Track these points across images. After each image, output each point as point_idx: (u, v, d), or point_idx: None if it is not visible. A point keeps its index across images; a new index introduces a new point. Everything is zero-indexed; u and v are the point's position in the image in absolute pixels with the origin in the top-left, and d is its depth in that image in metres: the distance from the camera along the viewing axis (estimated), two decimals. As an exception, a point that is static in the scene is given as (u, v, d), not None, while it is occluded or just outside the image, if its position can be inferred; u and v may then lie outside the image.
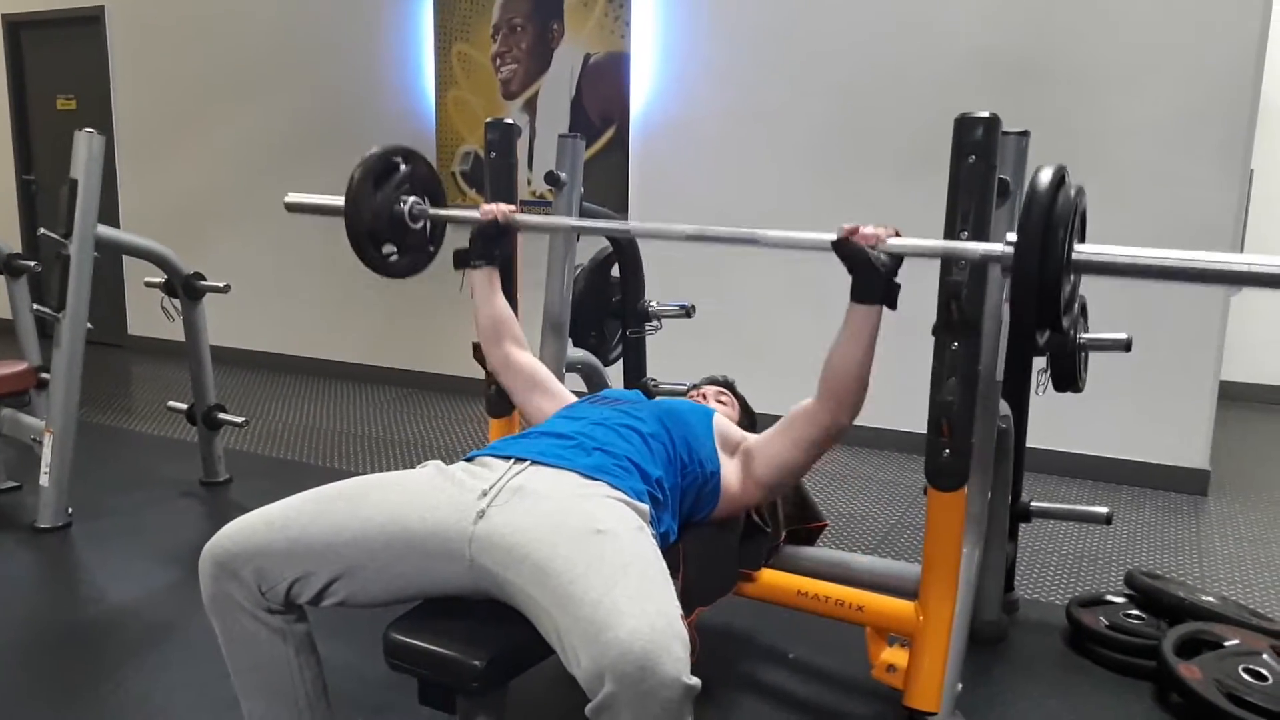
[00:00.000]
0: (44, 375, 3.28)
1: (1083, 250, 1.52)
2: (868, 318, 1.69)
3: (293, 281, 5.93)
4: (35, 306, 3.31)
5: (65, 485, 3.19)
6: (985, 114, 1.73)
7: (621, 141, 4.78)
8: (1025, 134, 1.99)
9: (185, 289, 3.53)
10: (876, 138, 4.23)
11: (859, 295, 1.69)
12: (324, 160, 5.69)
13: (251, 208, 6.01)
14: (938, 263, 1.78)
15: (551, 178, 2.52)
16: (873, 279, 1.67)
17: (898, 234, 1.68)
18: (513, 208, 2.14)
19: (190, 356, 3.63)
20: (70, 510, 3.22)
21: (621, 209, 4.74)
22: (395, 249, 2.23)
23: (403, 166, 2.22)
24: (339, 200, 2.18)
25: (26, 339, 3.59)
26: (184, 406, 3.71)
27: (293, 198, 2.41)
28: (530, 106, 5.01)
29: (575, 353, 2.73)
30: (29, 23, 6.72)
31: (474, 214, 2.13)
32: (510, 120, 2.46)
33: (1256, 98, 3.60)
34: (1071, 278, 1.54)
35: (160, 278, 3.55)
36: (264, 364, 5.99)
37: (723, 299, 4.50)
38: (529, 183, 4.93)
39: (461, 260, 2.13)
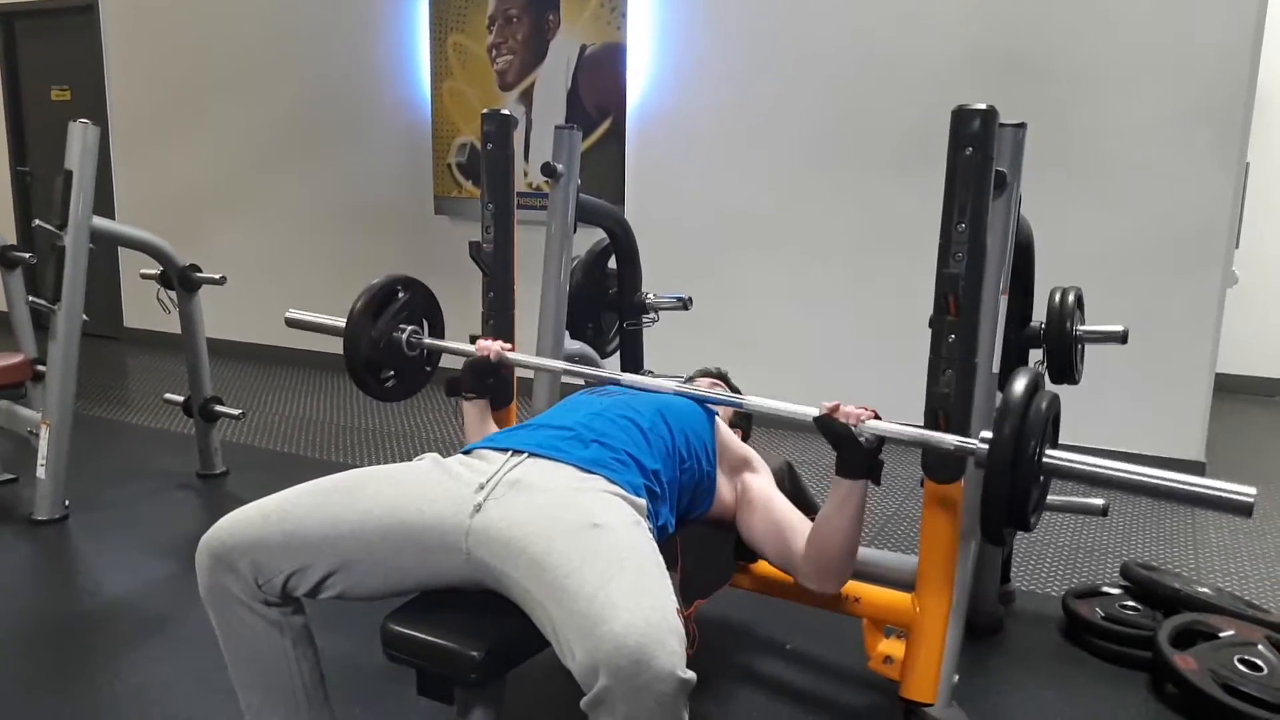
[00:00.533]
0: (40, 367, 3.28)
1: (1053, 456, 1.57)
2: (852, 492, 1.68)
3: (289, 273, 5.92)
4: (30, 298, 3.30)
5: (62, 477, 3.19)
6: (982, 106, 1.73)
7: (618, 133, 4.77)
8: (1022, 126, 1.99)
9: (181, 281, 3.52)
10: (872, 131, 4.23)
11: (843, 470, 1.68)
12: (319, 151, 5.68)
13: (247, 199, 5.99)
14: (931, 258, 1.78)
15: (548, 169, 2.52)
16: (856, 455, 1.66)
17: (876, 416, 1.67)
18: (507, 345, 2.15)
19: (186, 349, 3.63)
20: (67, 502, 3.22)
21: (618, 200, 4.74)
22: (392, 374, 2.29)
23: (401, 294, 2.28)
24: (338, 321, 2.24)
25: (22, 331, 3.59)
26: (180, 399, 3.70)
27: (293, 314, 2.47)
28: (526, 98, 5.00)
29: (572, 345, 2.72)
30: (23, 13, 6.70)
31: (468, 348, 2.15)
32: (507, 111, 2.45)
33: (1252, 93, 3.60)
34: (1040, 480, 1.60)
35: (156, 270, 3.55)
36: (260, 356, 5.98)
37: (719, 292, 4.50)
38: (525, 174, 4.92)
39: (453, 390, 2.13)
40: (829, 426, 1.66)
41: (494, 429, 2.12)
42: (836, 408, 1.67)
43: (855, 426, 1.66)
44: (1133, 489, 1.50)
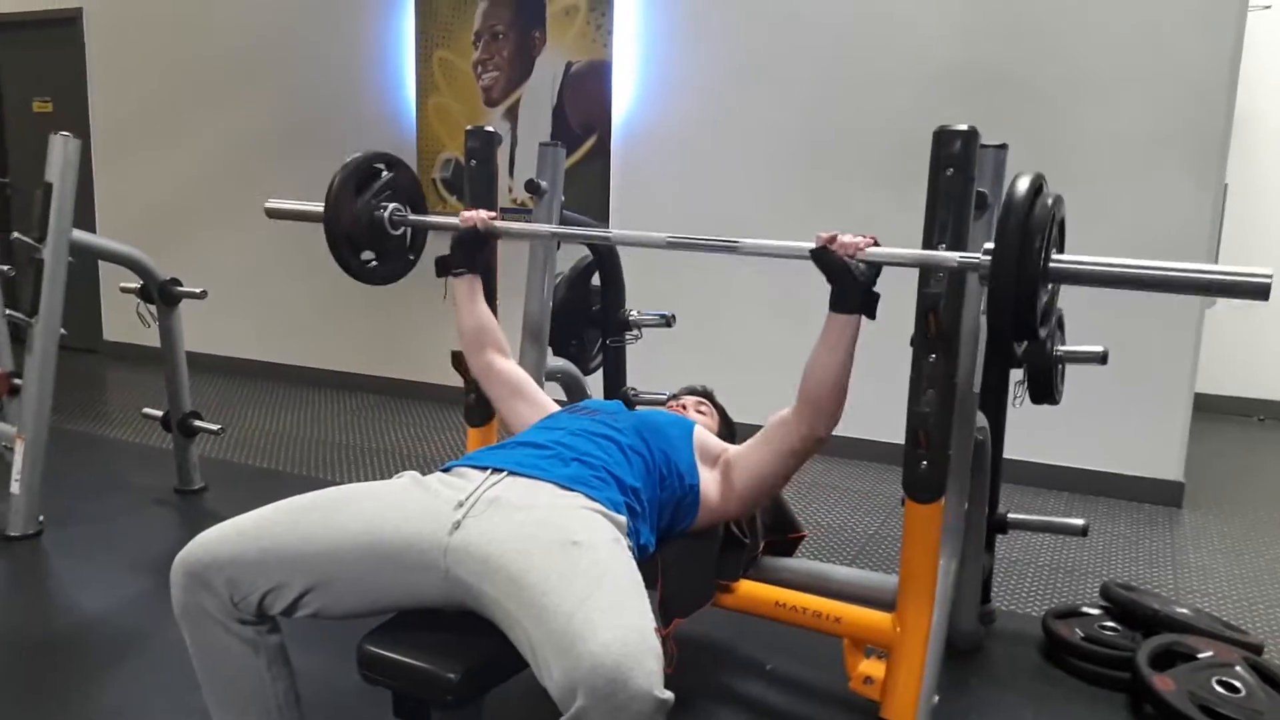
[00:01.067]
0: (16, 381, 3.24)
1: (1060, 259, 1.53)
2: (846, 327, 1.69)
3: (270, 288, 5.89)
4: (8, 311, 3.27)
5: (37, 492, 3.15)
6: (963, 127, 1.74)
7: (603, 150, 4.78)
8: (1003, 147, 2.01)
9: (161, 295, 3.50)
10: (854, 148, 4.26)
11: (837, 304, 1.69)
12: (304, 166, 5.65)
13: (230, 213, 5.97)
14: (916, 274, 1.79)
15: (532, 185, 2.52)
16: (851, 288, 1.67)
17: (876, 243, 1.68)
18: (493, 215, 2.13)
19: (166, 363, 3.60)
20: (41, 518, 3.18)
21: (602, 217, 4.74)
22: (374, 255, 2.23)
23: (384, 173, 2.22)
24: (319, 206, 2.17)
25: (-1, 344, 3.56)
26: (159, 413, 3.67)
27: (273, 204, 2.41)
28: (512, 114, 5.00)
29: (555, 362, 2.72)
30: (5, 24, 6.66)
31: (454, 221, 2.13)
32: (491, 128, 2.45)
33: (1231, 112, 3.64)
34: (1049, 287, 1.55)
35: (136, 283, 3.52)
36: (240, 371, 5.95)
37: (703, 309, 4.50)
38: (510, 190, 4.92)
39: (443, 268, 2.13)
40: (824, 257, 1.66)
41: (485, 309, 2.12)
42: (834, 238, 1.67)
43: (853, 257, 1.65)
44: (1142, 284, 1.44)
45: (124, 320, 5.72)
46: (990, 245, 1.53)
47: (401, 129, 5.31)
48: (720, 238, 1.89)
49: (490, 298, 2.44)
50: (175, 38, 6.03)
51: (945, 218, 1.75)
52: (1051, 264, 1.51)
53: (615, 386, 3.02)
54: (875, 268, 1.67)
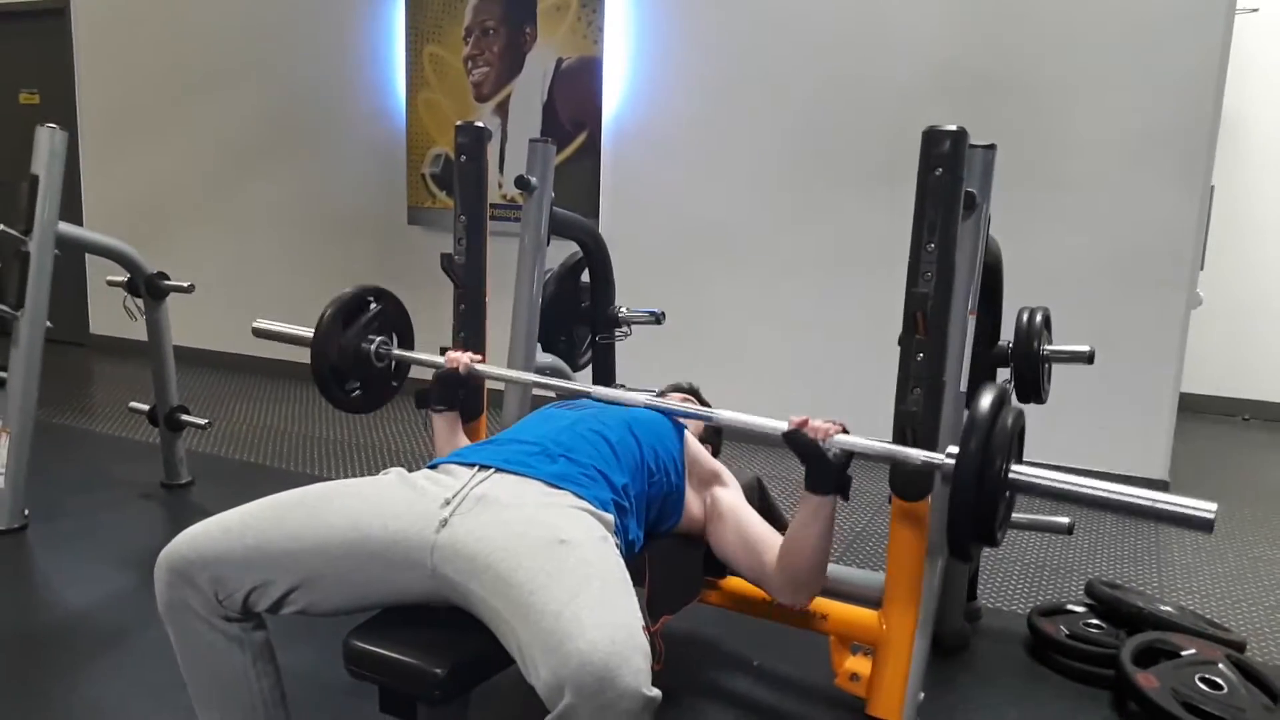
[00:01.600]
0: (1, 374, 3.22)
1: (1019, 472, 1.58)
2: (821, 506, 1.68)
3: (258, 282, 5.87)
4: (-7, 305, 3.25)
5: (22, 486, 3.14)
6: (952, 127, 1.74)
7: (593, 146, 4.77)
8: (992, 147, 2.02)
9: (148, 288, 3.48)
10: (844, 148, 4.26)
11: (811, 486, 1.69)
12: (291, 159, 5.65)
13: (217, 207, 5.94)
14: (902, 276, 1.79)
15: (522, 182, 2.51)
16: (824, 471, 1.66)
17: (844, 430, 1.68)
18: (477, 357, 2.13)
19: (152, 356, 3.58)
20: (27, 512, 3.16)
21: (592, 214, 4.74)
22: (358, 385, 2.27)
23: (372, 305, 2.26)
24: (306, 332, 2.21)
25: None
26: (146, 407, 3.66)
27: (261, 324, 2.44)
28: (502, 110, 5.00)
29: (544, 358, 2.72)
30: (-8, 15, 6.62)
31: (438, 360, 2.12)
32: (481, 123, 2.45)
33: (1217, 115, 3.66)
34: (1006, 495, 1.60)
35: (123, 276, 3.50)
36: (228, 365, 5.92)
37: (692, 306, 4.51)
38: (499, 186, 4.92)
39: (422, 402, 2.12)
40: (797, 441, 1.67)
41: (464, 441, 2.10)
42: (805, 422, 1.67)
43: (823, 441, 1.66)
44: (1096, 504, 1.52)
45: (111, 314, 5.68)
46: (954, 449, 1.57)
47: (391, 124, 5.29)
48: (701, 409, 1.99)
49: (480, 296, 2.44)
50: (164, 30, 5.99)
51: (934, 217, 1.75)
52: (1011, 475, 1.57)
53: (604, 383, 3.02)
54: (848, 452, 1.68)
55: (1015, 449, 1.62)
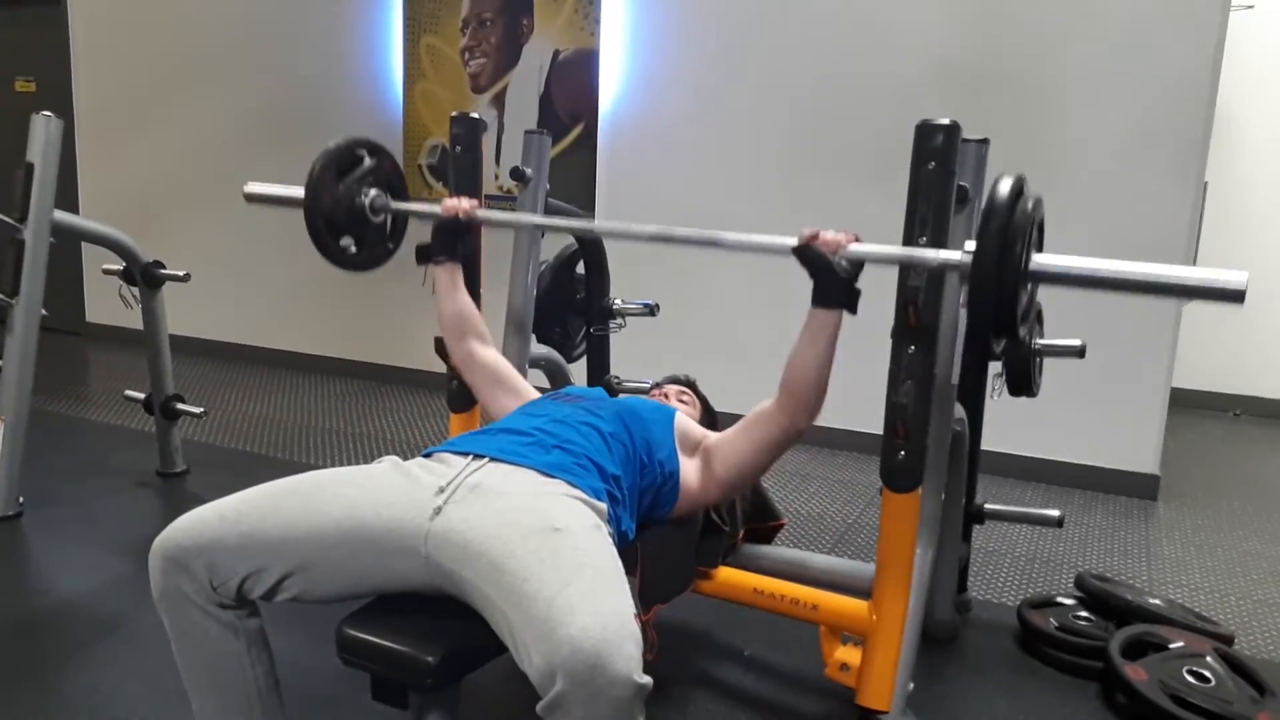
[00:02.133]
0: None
1: (1040, 260, 1.54)
2: (828, 322, 1.70)
3: (254, 271, 5.86)
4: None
5: (17, 474, 3.14)
6: (946, 121, 1.75)
7: (589, 139, 4.78)
8: (985, 141, 2.03)
9: (144, 277, 3.49)
10: (839, 141, 4.27)
11: (819, 300, 1.70)
12: (288, 149, 5.62)
13: (213, 195, 5.93)
14: (896, 268, 1.80)
15: (517, 173, 2.52)
16: (833, 284, 1.67)
17: (858, 239, 1.69)
18: (475, 203, 2.12)
19: (148, 345, 3.58)
20: (21, 499, 3.17)
21: (588, 206, 4.74)
22: (354, 241, 2.20)
23: (367, 159, 2.19)
24: (299, 192, 2.15)
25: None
26: (141, 396, 3.66)
27: (252, 188, 2.38)
28: (499, 101, 4.99)
29: (539, 349, 2.73)
30: (-13, 2, 6.59)
31: (436, 209, 2.11)
32: (477, 115, 2.45)
33: (1211, 112, 3.67)
34: (1028, 287, 1.56)
35: (119, 265, 3.50)
36: (224, 354, 5.92)
37: (687, 298, 4.52)
38: (496, 178, 4.92)
39: (424, 256, 2.12)
40: (807, 254, 1.67)
41: (465, 297, 2.11)
42: (816, 235, 1.68)
43: (835, 253, 1.66)
44: (1122, 287, 1.47)
45: (107, 302, 5.69)
46: (971, 245, 1.54)
47: (388, 114, 5.29)
48: (704, 231, 1.89)
49: (474, 286, 2.44)
50: (161, 19, 5.98)
51: (926, 211, 1.76)
52: (1031, 265, 1.53)
53: (598, 375, 3.03)
54: (857, 264, 1.68)
55: (1035, 237, 1.57)
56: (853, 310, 1.70)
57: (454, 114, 2.42)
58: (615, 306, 2.98)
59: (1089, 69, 3.81)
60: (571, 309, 2.98)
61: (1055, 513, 2.62)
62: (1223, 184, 5.22)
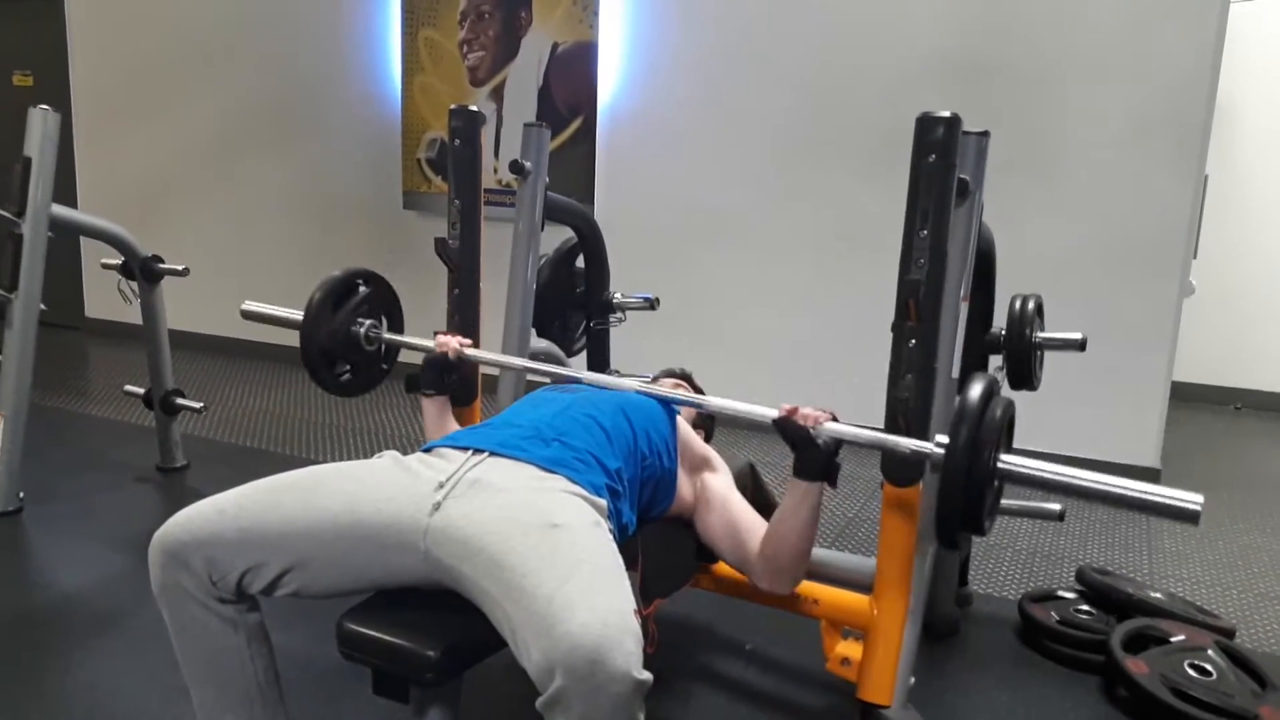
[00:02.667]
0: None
1: (1008, 461, 1.58)
2: (809, 494, 1.70)
3: (253, 265, 5.85)
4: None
5: (16, 469, 3.14)
6: (946, 113, 1.74)
7: (589, 132, 4.76)
8: (985, 134, 2.01)
9: (143, 271, 3.48)
10: (839, 133, 4.26)
11: (800, 472, 1.70)
12: (287, 143, 5.63)
13: (212, 189, 5.92)
14: (896, 262, 1.80)
15: (516, 166, 2.51)
16: (814, 457, 1.67)
17: (834, 419, 1.69)
18: (466, 341, 2.12)
19: (147, 340, 3.58)
20: (21, 494, 3.16)
21: (587, 199, 4.74)
22: (348, 368, 2.26)
23: (361, 288, 2.25)
24: (295, 314, 2.20)
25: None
26: (141, 391, 3.66)
27: (249, 306, 2.41)
28: (497, 94, 4.98)
29: (538, 343, 2.72)
30: (-15, -4, 6.57)
31: (428, 344, 2.12)
32: (476, 108, 2.44)
33: (1211, 104, 3.66)
34: (995, 484, 1.61)
35: (118, 259, 3.50)
36: (223, 349, 5.92)
37: (686, 292, 4.51)
38: (494, 171, 4.91)
39: (413, 386, 2.11)
40: (786, 429, 1.68)
41: (454, 426, 2.10)
42: (795, 410, 1.68)
43: (813, 429, 1.67)
44: (1083, 495, 1.53)
45: (106, 297, 5.68)
46: (943, 439, 1.58)
47: (386, 108, 5.28)
48: (692, 396, 1.99)
49: (474, 281, 2.43)
50: (158, 13, 5.96)
51: (927, 204, 1.75)
52: (999, 465, 1.57)
53: (599, 368, 3.02)
54: (837, 439, 1.68)
55: (1004, 439, 1.63)
56: (832, 484, 1.70)
57: (452, 107, 2.41)
58: (615, 300, 2.97)
59: (1089, 61, 3.80)
60: (571, 303, 2.97)
61: (1056, 506, 2.62)
62: (1223, 176, 5.20)
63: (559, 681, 1.17)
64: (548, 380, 2.15)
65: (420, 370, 2.08)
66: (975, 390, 1.59)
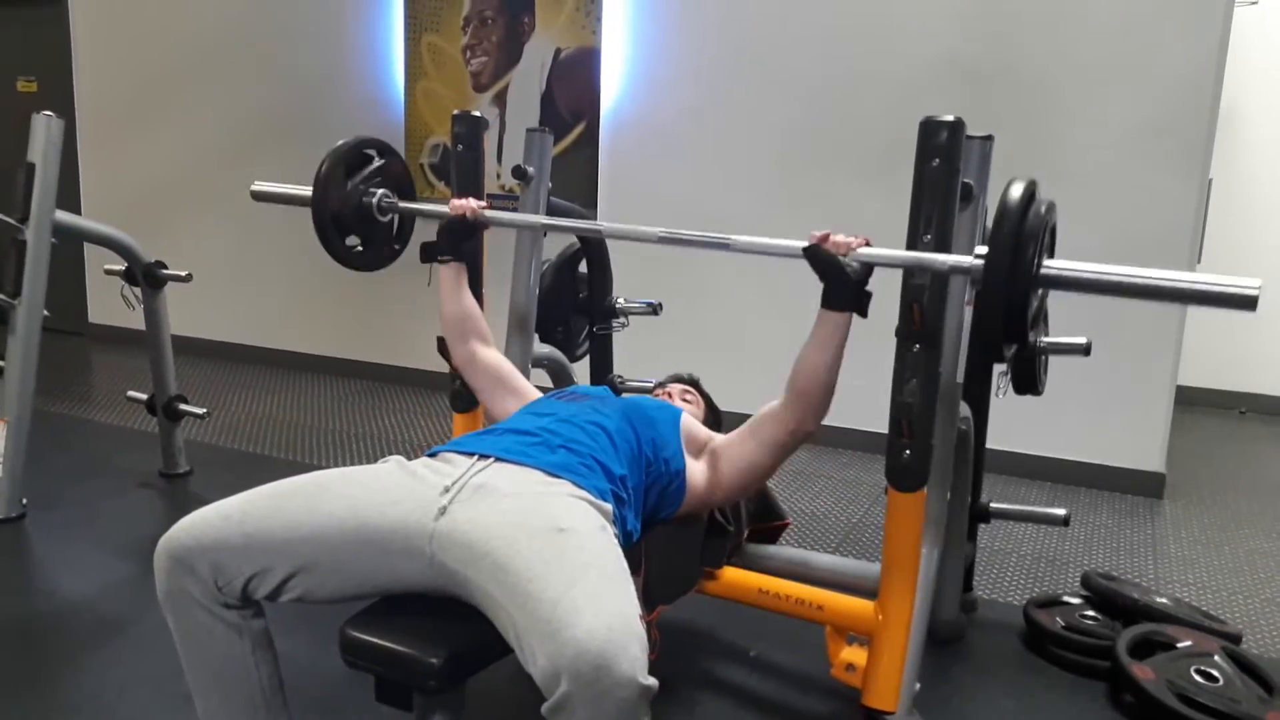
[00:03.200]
0: (-1, 363, 3.23)
1: (1051, 266, 1.53)
2: (838, 325, 1.70)
3: (257, 271, 5.86)
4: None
5: (20, 475, 3.14)
6: (949, 118, 1.74)
7: (591, 137, 4.77)
8: (989, 138, 2.01)
9: (146, 277, 3.48)
10: (843, 138, 4.26)
11: (830, 302, 1.70)
12: (290, 148, 5.63)
13: (215, 195, 5.93)
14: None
15: (519, 172, 2.51)
16: (844, 286, 1.67)
17: (868, 243, 1.68)
18: (482, 204, 2.12)
19: (151, 346, 3.58)
20: (25, 501, 3.16)
21: (590, 205, 4.74)
22: (360, 241, 2.21)
23: (375, 159, 2.20)
24: (306, 190, 2.15)
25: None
26: (144, 396, 3.66)
27: (259, 186, 2.38)
28: (500, 100, 4.99)
29: (541, 348, 2.72)
30: (-11, 3, 6.59)
31: (443, 209, 2.11)
32: (479, 113, 2.44)
33: (1216, 108, 3.65)
34: (1039, 293, 1.56)
35: (121, 265, 3.50)
36: (226, 355, 5.92)
37: (690, 297, 4.51)
38: (498, 176, 4.91)
39: (428, 254, 2.11)
40: (817, 256, 1.66)
41: (469, 298, 2.11)
42: (826, 237, 1.67)
43: (845, 256, 1.65)
44: (1133, 292, 1.46)
45: (109, 303, 5.67)
46: (983, 249, 1.53)
47: (389, 113, 5.28)
48: (712, 234, 1.88)
49: (477, 285, 2.43)
50: (162, 18, 5.97)
51: (930, 209, 1.75)
52: (1043, 270, 1.52)
53: (602, 374, 3.02)
54: (868, 267, 1.68)
55: (1047, 242, 1.55)
56: (863, 313, 1.70)
57: (455, 112, 2.42)
58: (618, 305, 2.97)
59: (1093, 64, 3.79)
60: (574, 308, 2.97)
61: (1061, 511, 2.61)
62: (1227, 180, 5.19)
63: (564, 687, 1.17)
64: (550, 384, 2.15)
65: (436, 237, 2.07)
66: (1015, 191, 1.52)
